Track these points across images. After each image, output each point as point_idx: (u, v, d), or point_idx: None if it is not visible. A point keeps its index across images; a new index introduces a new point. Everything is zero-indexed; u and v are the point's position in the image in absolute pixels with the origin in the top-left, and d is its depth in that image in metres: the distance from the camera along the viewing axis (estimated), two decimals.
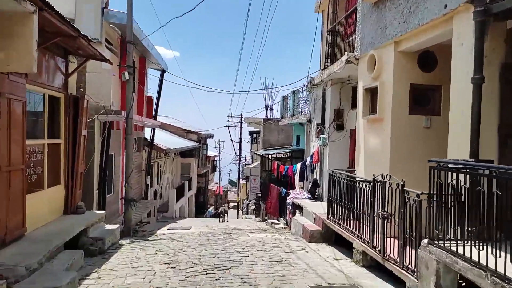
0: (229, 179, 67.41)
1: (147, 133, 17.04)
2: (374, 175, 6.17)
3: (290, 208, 11.74)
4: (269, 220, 13.66)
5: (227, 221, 16.68)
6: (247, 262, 6.48)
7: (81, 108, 8.48)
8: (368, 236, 6.40)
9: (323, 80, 10.93)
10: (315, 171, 11.84)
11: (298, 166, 12.76)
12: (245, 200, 37.41)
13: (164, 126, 25.72)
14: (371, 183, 6.22)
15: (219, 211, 17.40)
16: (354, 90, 10.47)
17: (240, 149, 31.01)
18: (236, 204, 47.76)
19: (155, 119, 16.73)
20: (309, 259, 6.91)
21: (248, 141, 41.54)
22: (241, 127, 30.07)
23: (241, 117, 29.92)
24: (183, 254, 7.16)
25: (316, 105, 11.98)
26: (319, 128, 11.29)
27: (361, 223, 6.85)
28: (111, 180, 12.27)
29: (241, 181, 41.77)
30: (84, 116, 8.68)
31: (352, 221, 7.29)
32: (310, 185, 11.70)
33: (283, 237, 9.42)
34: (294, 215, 11.55)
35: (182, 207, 21.95)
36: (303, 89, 14.25)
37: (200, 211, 28.70)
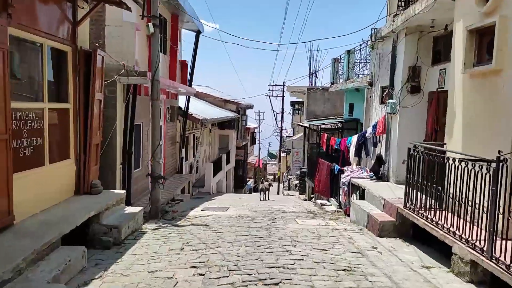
0: (268, 151, 65.97)
1: (181, 101, 15.47)
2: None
3: (345, 188, 9.78)
4: (318, 201, 11.81)
5: (268, 199, 14.95)
6: (303, 271, 4.67)
7: (94, 66, 6.85)
8: (480, 239, 4.40)
9: (395, 30, 8.61)
10: (378, 144, 9.71)
11: (355, 138, 10.66)
12: (285, 174, 35.73)
13: (200, 96, 24.16)
14: (495, 164, 4.12)
15: (260, 187, 15.63)
16: (437, 40, 8.12)
17: (282, 120, 29.06)
18: (276, 177, 46.36)
19: (190, 85, 15.07)
20: (387, 267, 5.00)
21: (289, 113, 39.41)
22: (283, 96, 27.94)
23: (284, 85, 27.71)
24: (217, 251, 5.48)
25: (382, 63, 9.69)
26: (386, 91, 9.06)
27: (464, 219, 4.82)
28: (139, 153, 10.83)
29: (281, 154, 39.89)
30: (98, 75, 7.07)
31: (444, 214, 5.28)
32: (372, 162, 9.63)
33: (341, 226, 7.54)
34: (350, 198, 9.60)
35: (220, 182, 20.57)
36: (362, 47, 11.92)
37: (239, 185, 27.36)
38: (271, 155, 67.38)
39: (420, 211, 5.93)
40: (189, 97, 15.24)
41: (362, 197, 8.92)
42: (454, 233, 4.93)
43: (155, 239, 6.37)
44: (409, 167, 6.35)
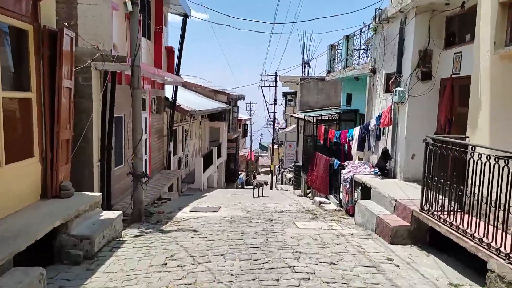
0: (260, 143, 65.09)
1: (168, 92, 14.47)
2: None
3: (347, 186, 8.96)
4: (317, 199, 10.99)
5: (263, 195, 14.09)
6: None
7: (61, 48, 5.86)
8: None
9: (403, 10, 7.73)
10: (383, 137, 8.89)
11: (357, 130, 9.82)
12: (278, 167, 34.96)
13: (189, 86, 23.12)
14: None
15: (254, 183, 14.76)
16: (451, 20, 7.28)
17: (274, 111, 28.11)
18: (268, 170, 45.48)
19: (178, 74, 14.06)
20: (410, 287, 4.17)
21: (282, 104, 38.49)
22: (275, 86, 26.97)
23: (276, 75, 26.71)
24: (206, 268, 4.60)
25: (387, 48, 8.82)
26: (392, 79, 8.21)
27: (495, 226, 4.03)
28: (121, 148, 9.87)
29: (274, 146, 38.92)
30: (67, 59, 6.07)
31: (469, 218, 4.50)
32: (375, 157, 8.82)
33: (346, 230, 6.71)
34: (352, 196, 8.80)
35: (211, 177, 19.67)
36: (363, 31, 11.01)
37: (230, 179, 26.49)
38: (262, 147, 66.61)
39: (440, 216, 5.12)
40: (176, 87, 14.25)
41: (364, 194, 8.13)
42: (489, 245, 4.13)
43: (135, 251, 5.47)
44: (426, 164, 5.52)
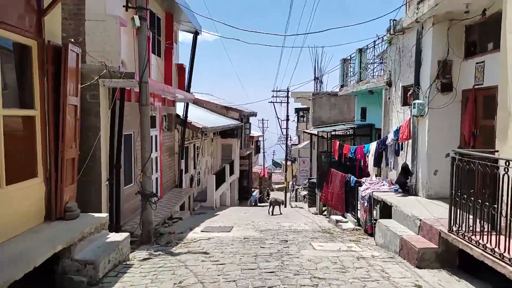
0: (273, 160, 64.62)
1: (179, 109, 14.32)
2: None
3: (365, 204, 8.51)
4: (333, 217, 10.53)
5: (280, 213, 13.76)
6: None
7: (66, 64, 5.69)
8: None
9: (420, 19, 7.43)
10: (401, 152, 8.47)
11: (373, 145, 9.43)
12: (292, 183, 34.44)
13: (201, 103, 23.07)
14: None
15: (270, 201, 14.42)
16: (471, 29, 6.96)
17: (287, 128, 27.77)
18: (282, 186, 44.86)
19: (189, 91, 13.93)
20: None
21: (294, 120, 38.19)
22: (287, 102, 26.71)
23: (288, 91, 26.53)
24: None
25: (403, 60, 8.49)
26: (410, 91, 7.84)
27: None
28: (131, 167, 9.65)
29: (285, 161, 38.32)
30: (72, 76, 5.91)
31: (506, 240, 4.06)
32: (393, 173, 8.40)
33: (367, 253, 6.27)
34: (371, 214, 8.35)
35: (223, 194, 19.32)
36: (376, 43, 10.74)
37: (243, 196, 26.06)
38: (276, 164, 66.08)
39: (472, 237, 4.68)
40: (187, 104, 14.10)
41: (383, 213, 7.69)
42: None
43: (142, 277, 5.13)
44: (453, 181, 5.10)
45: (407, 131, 7.90)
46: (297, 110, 35.96)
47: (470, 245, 4.64)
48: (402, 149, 8.32)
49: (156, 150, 11.62)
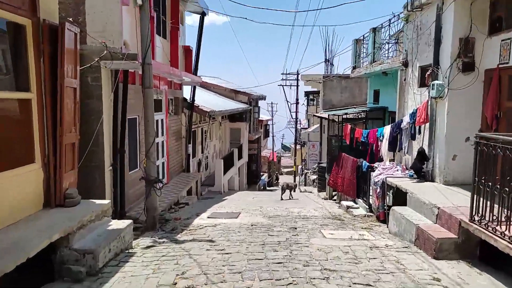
0: (282, 143, 64.22)
1: (186, 92, 14.00)
2: None
3: (378, 189, 8.17)
4: (344, 203, 10.21)
5: (292, 198, 13.67)
6: None
7: (62, 44, 5.37)
8: None
9: None
10: (418, 136, 8.06)
11: (387, 129, 9.02)
12: (301, 167, 34.15)
13: (209, 87, 22.70)
14: None
15: (282, 185, 14.27)
16: (496, 3, 6.43)
17: (296, 111, 27.27)
18: (291, 170, 44.57)
19: (195, 74, 13.56)
20: None
21: (304, 103, 37.64)
22: (297, 85, 26.12)
23: (298, 73, 25.93)
24: None
25: (421, 38, 7.99)
26: (428, 71, 7.37)
27: None
28: (136, 151, 9.41)
29: (294, 145, 37.94)
30: (70, 57, 5.59)
31: None
32: (408, 158, 8.01)
33: (381, 242, 5.96)
34: (384, 201, 8.02)
35: (232, 179, 19.11)
36: (392, 21, 10.18)
37: (252, 181, 25.87)
38: (285, 148, 65.73)
39: (497, 228, 4.33)
40: (194, 87, 13.76)
41: (396, 199, 7.38)
42: None
43: (144, 266, 4.91)
44: (476, 167, 4.72)
45: (425, 113, 7.47)
46: (307, 94, 35.38)
47: (494, 236, 4.30)
48: (419, 133, 7.90)
49: (162, 135, 11.37)
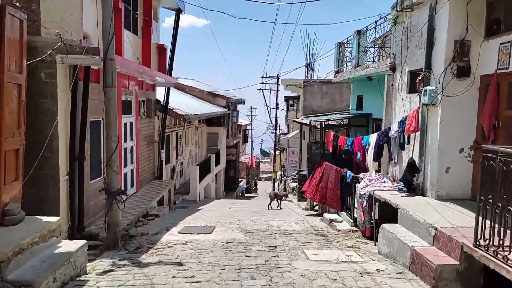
0: (261, 149, 63.58)
1: (160, 94, 13.12)
2: None
3: (364, 203, 7.56)
4: (326, 216, 9.58)
5: (279, 208, 13.04)
6: None
7: (3, 32, 4.51)
8: None
9: None
10: (407, 146, 7.51)
11: (373, 137, 8.46)
12: (280, 173, 33.60)
13: (186, 89, 21.82)
14: None
15: (269, 195, 13.69)
16: (494, 4, 5.97)
17: (276, 116, 26.66)
18: (270, 176, 43.90)
19: (170, 74, 12.72)
20: None
21: (283, 109, 37.15)
22: (277, 89, 25.54)
23: (278, 77, 25.38)
24: None
25: (411, 41, 7.47)
26: (420, 76, 6.83)
27: None
28: (99, 159, 8.49)
29: (273, 151, 37.36)
30: (12, 47, 4.73)
31: None
32: (396, 169, 7.45)
33: (371, 265, 5.31)
34: (370, 215, 7.42)
35: (208, 186, 18.26)
36: (378, 24, 9.68)
37: (230, 187, 25.05)
38: (264, 153, 65.07)
39: (509, 257, 3.74)
40: (169, 89, 12.91)
41: (383, 213, 6.82)
42: None
43: None
44: (482, 184, 4.14)
45: (415, 122, 6.92)
46: (287, 98, 34.93)
47: (506, 266, 3.70)
48: (408, 142, 7.35)
49: (131, 139, 10.48)
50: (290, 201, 18.36)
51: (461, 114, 6.36)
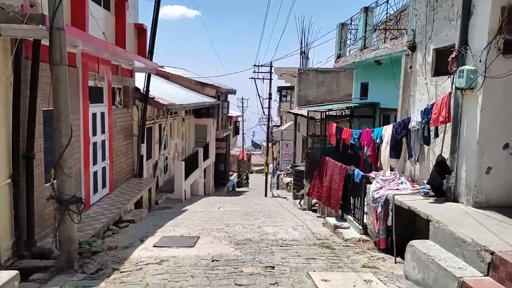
0: (252, 141, 62.19)
1: (141, 82, 11.64)
2: None
3: (378, 208, 6.26)
4: (329, 220, 8.27)
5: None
6: None
7: None
8: None
9: None
10: (433, 140, 6.20)
11: (388, 130, 7.15)
12: (271, 166, 32.34)
13: (173, 79, 20.30)
14: None
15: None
16: None
17: (269, 107, 25.27)
18: (261, 169, 42.60)
19: (151, 58, 11.23)
20: None
21: (276, 100, 35.71)
22: (270, 78, 24.05)
23: (271, 66, 23.90)
24: None
25: (437, 12, 6.12)
26: (453, 54, 5.49)
27: None
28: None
29: (265, 143, 36.03)
30: None
31: None
32: (420, 167, 6.16)
33: None
34: (386, 222, 6.14)
35: (196, 183, 16.87)
36: None
37: (220, 182, 23.67)
38: (255, 145, 63.82)
39: None
40: (149, 75, 11.42)
41: (398, 219, 5.56)
42: None
43: None
44: None
45: (445, 110, 5.60)
46: (280, 89, 33.50)
47: None
48: (436, 135, 6.03)
49: (103, 132, 9.02)
50: (285, 198, 17.10)
51: (508, 101, 5.05)
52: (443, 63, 5.91)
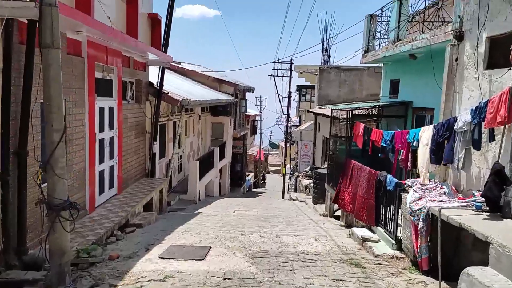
0: (269, 141, 61.31)
1: (155, 76, 11.00)
2: None
3: (420, 223, 5.38)
4: (356, 232, 7.41)
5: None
6: None
7: None
8: None
9: None
10: (485, 144, 5.29)
11: (427, 131, 6.26)
12: (289, 166, 31.46)
13: (190, 75, 19.65)
14: None
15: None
16: None
17: (288, 106, 24.31)
18: (278, 169, 41.76)
19: (165, 51, 10.58)
20: None
21: (294, 99, 34.78)
22: (290, 75, 23.08)
23: (291, 63, 22.98)
24: None
25: None
26: None
27: None
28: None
29: (282, 143, 35.09)
30: None
31: None
32: (465, 176, 5.26)
33: None
34: (427, 240, 5.27)
35: (211, 183, 16.17)
36: None
37: (236, 183, 22.94)
38: (272, 145, 62.94)
39: None
40: (163, 69, 10.78)
41: (438, 233, 4.66)
42: None
43: None
44: None
45: (504, 109, 4.69)
46: (299, 88, 32.58)
47: None
48: (493, 139, 5.11)
49: (111, 128, 8.40)
50: (304, 201, 16.24)
51: None
52: (500, 54, 4.99)
